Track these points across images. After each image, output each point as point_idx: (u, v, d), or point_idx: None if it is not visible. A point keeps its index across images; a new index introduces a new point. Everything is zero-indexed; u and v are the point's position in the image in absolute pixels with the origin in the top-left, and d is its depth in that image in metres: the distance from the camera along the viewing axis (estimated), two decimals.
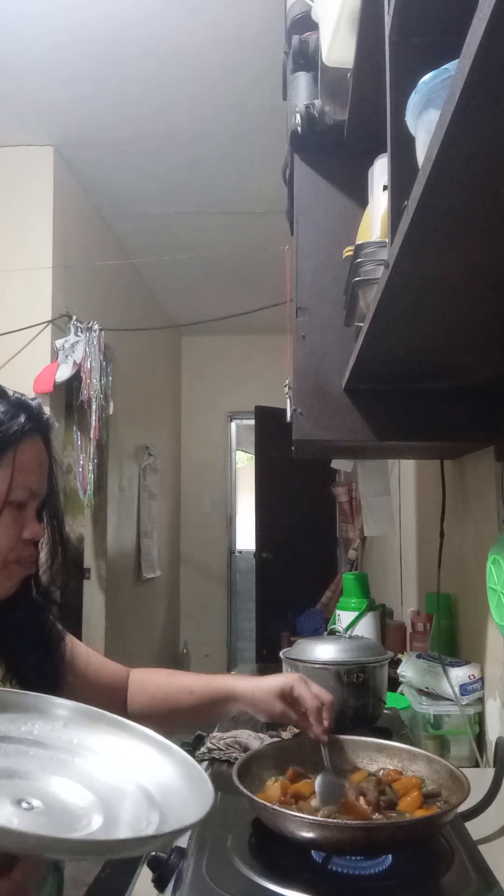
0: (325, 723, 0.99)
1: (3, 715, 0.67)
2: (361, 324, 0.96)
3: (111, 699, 1.03)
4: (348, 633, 1.54)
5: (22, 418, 0.84)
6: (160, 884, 0.82)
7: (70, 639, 0.98)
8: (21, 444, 0.83)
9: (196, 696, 1.04)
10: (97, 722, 0.71)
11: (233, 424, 6.28)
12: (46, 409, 0.92)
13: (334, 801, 0.86)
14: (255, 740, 1.19)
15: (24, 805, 0.57)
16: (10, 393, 0.87)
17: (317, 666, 1.23)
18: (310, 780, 0.94)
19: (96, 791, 0.62)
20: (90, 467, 3.25)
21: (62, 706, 0.71)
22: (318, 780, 0.92)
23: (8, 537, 0.83)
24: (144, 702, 1.06)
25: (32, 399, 0.89)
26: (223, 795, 0.99)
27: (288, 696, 1.00)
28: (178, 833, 0.56)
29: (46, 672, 0.89)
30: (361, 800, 0.85)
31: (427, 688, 1.40)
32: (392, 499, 2.25)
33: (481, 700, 1.35)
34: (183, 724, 1.09)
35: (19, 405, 0.85)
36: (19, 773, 0.63)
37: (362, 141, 1.13)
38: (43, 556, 0.91)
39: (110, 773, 0.65)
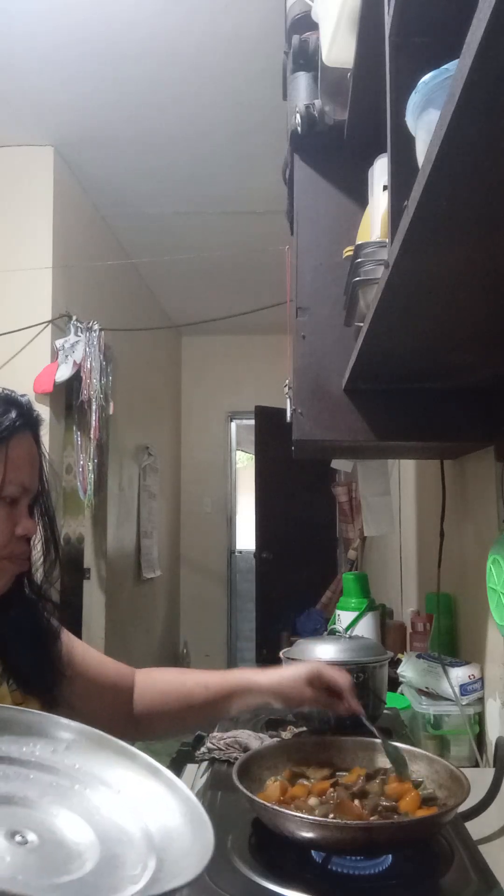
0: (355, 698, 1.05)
1: (3, 735, 0.65)
2: (361, 324, 0.96)
3: (115, 697, 1.03)
4: (348, 633, 1.54)
5: (13, 414, 0.84)
6: None
7: (67, 635, 0.98)
8: (12, 440, 0.83)
9: (211, 691, 1.04)
10: (102, 747, 0.68)
11: (233, 424, 6.28)
12: (39, 408, 0.92)
13: (405, 769, 0.94)
14: (255, 740, 1.19)
15: (18, 839, 0.54)
16: (0, 390, 0.87)
17: None
18: (307, 782, 0.94)
19: (96, 825, 0.59)
20: (90, 467, 3.25)
21: (66, 728, 0.68)
22: (385, 749, 0.98)
23: (1, 533, 0.83)
24: (154, 698, 1.05)
25: (21, 395, 0.89)
26: (223, 795, 0.99)
27: (317, 682, 1.04)
28: (172, 892, 0.52)
29: (43, 669, 0.89)
30: (358, 802, 0.86)
31: (427, 688, 1.40)
32: (392, 499, 2.25)
33: (481, 700, 1.35)
34: (196, 718, 1.09)
35: (9, 401, 0.85)
36: (18, 800, 0.60)
37: (362, 141, 1.13)
38: (36, 553, 0.91)
39: (112, 807, 0.62)
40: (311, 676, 1.04)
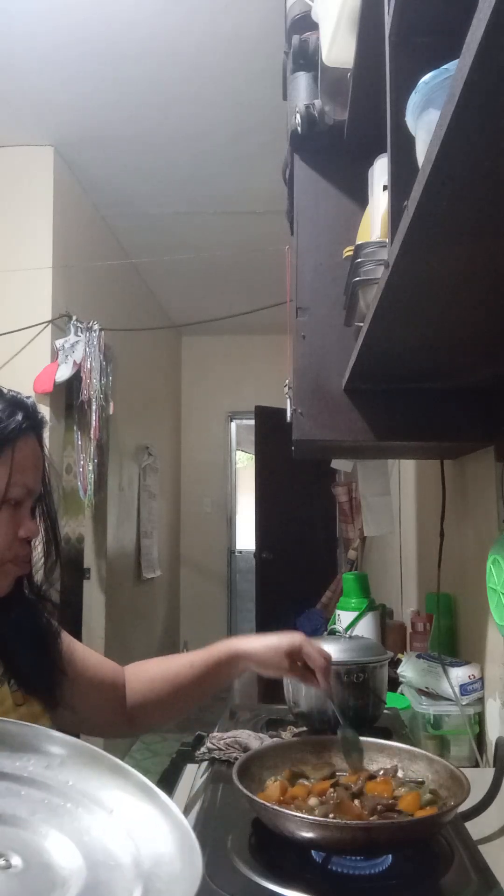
0: (329, 679, 1.06)
1: None
2: (361, 324, 0.96)
3: (112, 695, 1.03)
4: (348, 633, 1.54)
5: (19, 416, 0.84)
6: None
7: (65, 636, 0.98)
8: (18, 443, 0.83)
9: (197, 667, 1.06)
10: (96, 763, 0.66)
11: (233, 424, 6.29)
12: (39, 408, 0.92)
13: (357, 755, 0.97)
14: (255, 740, 1.18)
15: (2, 862, 0.53)
16: (6, 391, 0.87)
17: None
18: (307, 782, 0.94)
19: (84, 848, 0.57)
20: (90, 467, 3.25)
21: (60, 742, 0.67)
22: (339, 735, 1.00)
23: (4, 536, 0.83)
24: (144, 687, 1.06)
25: (27, 397, 0.89)
26: (223, 795, 0.99)
27: (296, 655, 1.05)
28: None
29: (44, 669, 0.90)
30: (357, 802, 0.86)
31: (427, 688, 1.40)
32: (392, 499, 2.25)
33: (481, 700, 1.35)
34: (187, 699, 1.09)
35: (16, 403, 0.86)
36: (6, 818, 0.59)
37: (362, 141, 1.13)
38: (37, 554, 0.91)
39: (103, 828, 0.60)
40: (292, 649, 1.05)
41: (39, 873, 0.54)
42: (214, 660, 1.06)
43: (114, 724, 1.06)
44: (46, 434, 0.92)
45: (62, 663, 0.93)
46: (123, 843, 0.59)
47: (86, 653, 1.03)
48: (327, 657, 1.06)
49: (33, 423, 0.87)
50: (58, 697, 0.90)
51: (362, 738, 1.03)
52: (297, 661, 1.06)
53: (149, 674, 1.08)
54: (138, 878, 0.55)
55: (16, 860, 0.54)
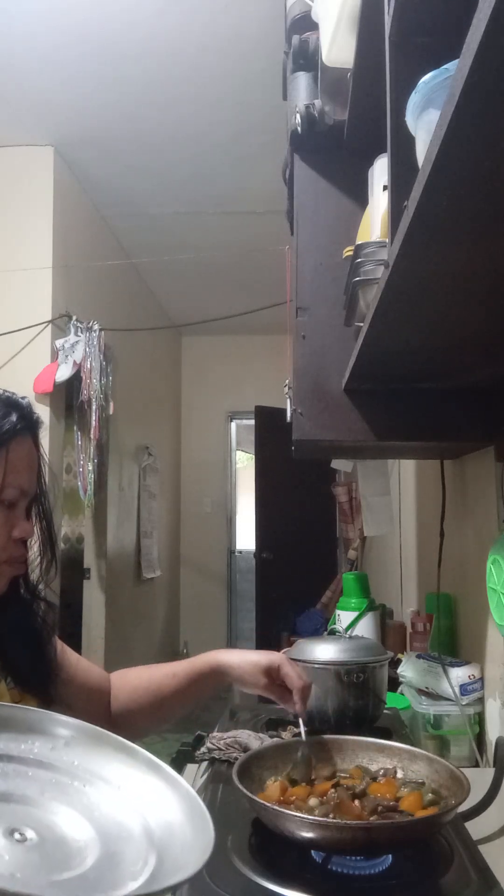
0: (305, 702, 1.05)
1: (2, 732, 0.65)
2: (361, 324, 0.96)
3: (97, 701, 1.04)
4: (348, 633, 1.54)
5: (14, 417, 0.84)
6: None
7: (57, 639, 0.99)
8: (12, 443, 0.83)
9: (179, 678, 1.05)
10: (101, 743, 0.68)
11: (233, 424, 6.29)
12: (39, 408, 0.93)
13: (304, 771, 0.95)
14: (255, 740, 1.18)
15: (17, 836, 0.54)
16: (1, 392, 0.87)
17: (317, 666, 1.23)
18: (307, 782, 0.94)
19: (96, 822, 0.59)
20: (90, 467, 3.25)
21: (65, 724, 0.68)
22: (299, 753, 0.99)
23: None
24: (128, 695, 1.06)
25: (22, 397, 0.88)
26: (223, 795, 0.99)
27: (274, 673, 1.05)
28: (173, 887, 0.52)
29: (39, 667, 0.90)
30: (358, 802, 0.86)
31: (427, 688, 1.40)
32: (392, 499, 2.25)
33: (481, 700, 1.35)
34: (170, 709, 1.08)
35: (10, 404, 0.85)
36: (17, 798, 0.60)
37: (362, 141, 1.13)
38: (33, 554, 0.91)
39: (112, 804, 0.62)
40: (270, 667, 1.04)
41: (54, 846, 0.55)
42: (196, 671, 1.06)
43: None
44: (45, 434, 0.92)
45: (56, 664, 0.94)
46: (134, 816, 0.61)
47: (76, 658, 1.04)
48: (306, 681, 1.05)
49: (28, 424, 0.87)
50: (53, 695, 0.91)
51: (362, 738, 1.03)
52: (275, 680, 1.05)
53: (132, 682, 1.08)
54: (151, 847, 0.57)
55: (30, 834, 0.55)
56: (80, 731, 0.68)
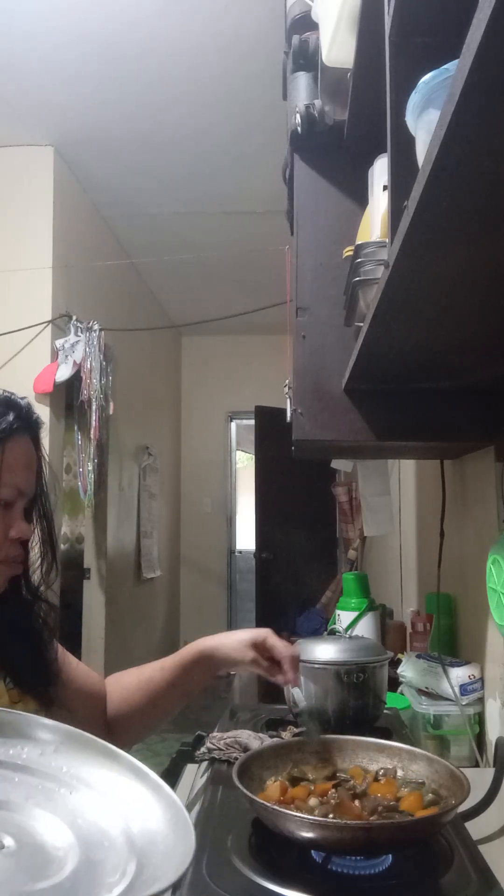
0: (297, 670, 1.06)
1: None
2: (361, 324, 0.96)
3: (95, 706, 1.04)
4: (348, 633, 1.54)
5: (10, 416, 0.84)
6: None
7: (57, 644, 0.99)
8: (9, 443, 0.83)
9: (167, 670, 1.04)
10: (89, 749, 0.67)
11: (233, 424, 6.29)
12: (39, 408, 0.92)
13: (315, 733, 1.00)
14: (255, 740, 1.18)
15: None
16: (0, 391, 0.87)
17: (317, 666, 1.23)
18: (308, 783, 0.94)
19: (78, 829, 0.58)
20: (90, 467, 3.25)
21: (55, 730, 0.67)
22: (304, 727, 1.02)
23: None
24: (121, 695, 1.06)
25: (21, 398, 0.88)
26: (223, 795, 0.99)
27: (260, 646, 1.05)
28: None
29: (39, 668, 0.90)
30: (358, 802, 0.86)
31: (427, 688, 1.39)
32: (392, 499, 2.25)
33: (481, 700, 1.35)
34: (164, 705, 1.07)
35: (7, 403, 0.85)
36: (0, 803, 0.59)
37: (362, 141, 1.13)
38: (34, 555, 0.91)
39: (95, 810, 0.61)
40: (256, 640, 1.05)
41: (32, 853, 0.54)
42: (184, 660, 1.05)
43: (95, 734, 1.06)
44: (45, 432, 0.92)
45: (56, 665, 0.94)
46: (117, 824, 0.60)
47: (75, 662, 1.04)
48: (293, 650, 1.06)
49: (26, 424, 0.86)
50: (52, 696, 0.91)
51: (362, 738, 1.03)
52: (262, 654, 1.05)
53: (124, 683, 1.07)
54: (131, 854, 0.56)
55: (8, 841, 0.54)
56: (67, 736, 0.67)
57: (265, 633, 1.06)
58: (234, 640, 1.05)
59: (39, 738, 0.66)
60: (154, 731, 1.13)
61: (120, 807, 0.62)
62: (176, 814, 0.61)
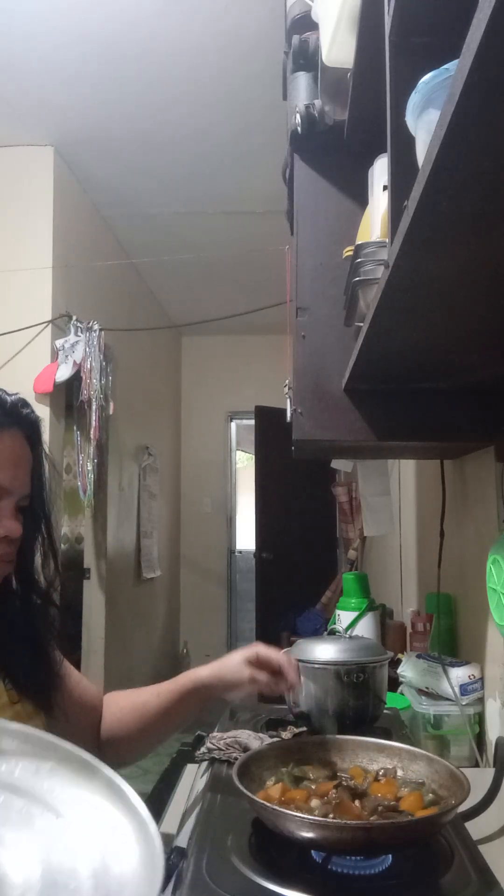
0: (298, 672, 1.06)
1: None
2: (361, 324, 0.96)
3: (91, 718, 1.03)
4: (348, 633, 1.54)
5: None
6: None
7: (60, 655, 0.98)
8: None
9: (163, 697, 1.03)
10: (87, 775, 0.62)
11: (233, 424, 6.29)
12: (39, 408, 0.91)
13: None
14: (255, 740, 1.18)
15: None
16: None
17: (317, 666, 1.23)
18: (309, 783, 0.94)
19: (46, 863, 0.54)
20: (90, 467, 3.25)
21: (57, 749, 0.63)
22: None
23: None
24: (116, 714, 1.04)
25: (11, 394, 0.87)
26: (223, 795, 0.99)
27: (254, 661, 1.04)
28: None
29: (39, 672, 0.89)
30: (358, 802, 0.86)
31: (427, 688, 1.39)
32: (392, 499, 2.25)
33: (481, 700, 1.35)
34: (156, 730, 1.05)
35: None
36: None
37: (362, 141, 1.13)
38: (38, 557, 0.91)
39: (73, 842, 0.57)
40: (248, 657, 1.04)
41: None
42: (179, 689, 1.03)
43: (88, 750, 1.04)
44: (45, 434, 0.91)
45: (59, 668, 0.93)
46: (92, 859, 0.56)
47: (76, 673, 1.03)
48: (288, 658, 1.06)
49: (15, 420, 0.84)
50: (52, 700, 0.90)
51: (362, 738, 1.04)
52: (258, 668, 1.04)
53: (119, 702, 1.06)
54: (97, 889, 0.53)
55: None
56: (70, 759, 0.63)
57: (255, 648, 1.06)
58: (229, 665, 1.04)
59: (41, 755, 0.62)
60: (145, 756, 1.10)
61: (100, 841, 0.57)
62: (153, 857, 0.55)
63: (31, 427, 0.87)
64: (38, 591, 0.92)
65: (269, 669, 1.04)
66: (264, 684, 1.05)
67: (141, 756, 1.10)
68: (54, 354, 3.08)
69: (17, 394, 0.88)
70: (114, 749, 1.02)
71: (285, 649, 1.34)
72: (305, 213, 1.30)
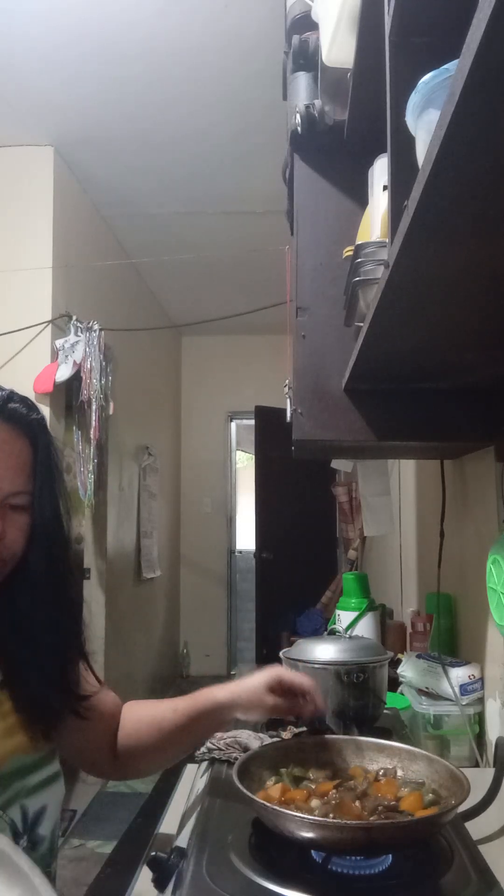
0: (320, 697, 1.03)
1: None
2: (361, 324, 0.96)
3: (109, 726, 0.99)
4: (348, 633, 1.54)
5: None
6: (160, 884, 0.81)
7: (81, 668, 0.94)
8: None
9: (180, 713, 0.98)
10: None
11: (233, 424, 6.28)
12: (39, 408, 0.87)
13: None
14: (255, 740, 1.18)
15: None
16: None
17: (317, 666, 1.23)
18: (309, 783, 0.94)
19: None
20: (90, 467, 3.25)
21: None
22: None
23: None
24: (133, 726, 1.00)
25: (4, 390, 0.83)
26: (223, 795, 0.99)
27: (277, 687, 1.00)
28: None
29: (46, 676, 0.84)
30: (358, 803, 0.86)
31: (427, 688, 1.39)
32: (392, 499, 2.25)
33: (481, 700, 1.35)
34: (173, 745, 1.01)
35: None
36: None
37: (362, 141, 1.13)
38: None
39: None
40: (271, 682, 0.99)
41: None
42: (197, 708, 0.99)
43: (99, 761, 1.00)
44: None
45: (71, 685, 0.88)
46: None
47: (93, 680, 0.98)
48: (310, 681, 1.03)
49: (10, 415, 0.81)
50: (60, 719, 0.86)
51: (362, 738, 1.04)
52: (279, 694, 1.00)
53: (138, 713, 1.02)
54: None
55: None
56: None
57: (278, 673, 1.01)
58: (249, 689, 0.99)
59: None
60: (161, 769, 1.06)
61: None
62: None
63: (21, 421, 0.83)
64: (44, 598, 0.86)
65: (292, 695, 1.01)
66: (286, 711, 1.02)
67: (160, 768, 1.07)
68: (54, 354, 3.08)
69: (9, 389, 0.84)
70: (130, 760, 0.99)
71: (285, 649, 1.34)
72: (305, 213, 1.30)
